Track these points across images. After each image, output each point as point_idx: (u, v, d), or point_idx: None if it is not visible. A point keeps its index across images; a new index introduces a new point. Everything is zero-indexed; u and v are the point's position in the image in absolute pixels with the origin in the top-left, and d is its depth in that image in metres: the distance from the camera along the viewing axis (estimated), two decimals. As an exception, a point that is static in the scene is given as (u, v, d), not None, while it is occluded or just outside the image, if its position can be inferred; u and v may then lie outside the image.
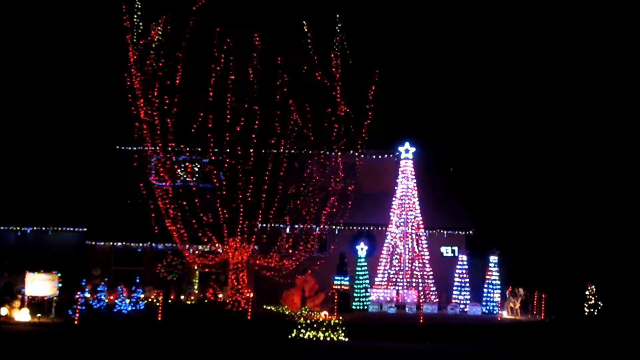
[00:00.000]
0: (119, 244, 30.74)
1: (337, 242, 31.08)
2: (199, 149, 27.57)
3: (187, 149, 27.34)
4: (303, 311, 27.69)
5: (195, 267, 29.81)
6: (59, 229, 31.47)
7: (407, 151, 31.41)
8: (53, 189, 32.60)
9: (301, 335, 22.82)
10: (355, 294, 29.97)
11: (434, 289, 30.69)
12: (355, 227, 32.76)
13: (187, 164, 28.07)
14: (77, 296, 24.46)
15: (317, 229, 29.07)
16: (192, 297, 29.53)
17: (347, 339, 22.71)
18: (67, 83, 37.65)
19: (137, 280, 28.15)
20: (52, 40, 39.18)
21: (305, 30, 27.69)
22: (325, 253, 32.21)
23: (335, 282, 29.40)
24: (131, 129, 27.16)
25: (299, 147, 28.43)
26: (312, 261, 30.71)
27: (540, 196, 40.97)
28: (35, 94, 37.12)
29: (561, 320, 28.10)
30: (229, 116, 27.09)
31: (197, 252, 28.28)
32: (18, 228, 31.44)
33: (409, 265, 30.69)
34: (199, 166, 28.07)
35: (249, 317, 24.99)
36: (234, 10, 27.31)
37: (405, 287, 30.28)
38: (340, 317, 25.04)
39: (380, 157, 33.78)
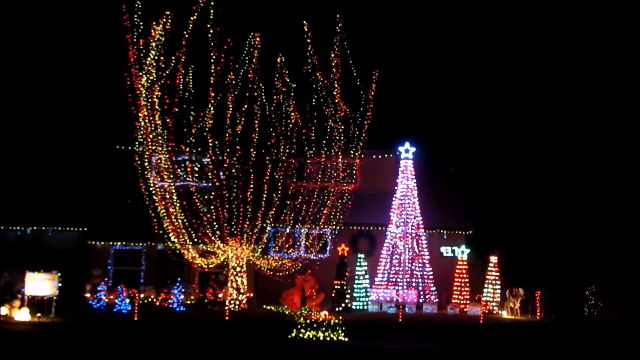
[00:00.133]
0: (119, 244, 30.74)
1: (337, 242, 31.05)
2: (199, 149, 27.58)
3: (187, 149, 27.33)
4: (303, 311, 27.70)
5: (195, 267, 29.81)
6: (59, 229, 31.45)
7: (407, 151, 31.41)
8: (53, 188, 32.56)
9: (301, 335, 22.82)
10: (355, 294, 29.98)
11: (434, 289, 30.69)
12: (355, 227, 32.74)
13: (187, 163, 28.06)
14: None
15: (317, 229, 29.08)
16: (192, 297, 29.51)
17: (347, 339, 22.71)
18: (67, 83, 37.62)
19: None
20: (52, 40, 39.15)
21: (305, 30, 27.70)
22: (325, 253, 32.21)
23: (335, 282, 29.43)
24: (131, 129, 27.17)
25: (299, 147, 28.47)
26: (312, 261, 30.75)
27: (540, 196, 40.91)
28: (35, 94, 37.10)
29: (561, 320, 28.10)
30: (229, 116, 27.13)
31: (197, 252, 28.29)
32: (18, 228, 31.41)
33: (409, 265, 30.68)
34: (199, 166, 28.07)
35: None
36: (235, 9, 27.31)
37: (405, 287, 30.28)
38: (340, 317, 25.04)
39: (380, 157, 33.75)
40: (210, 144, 27.30)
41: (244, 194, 27.21)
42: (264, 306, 29.56)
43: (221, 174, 27.54)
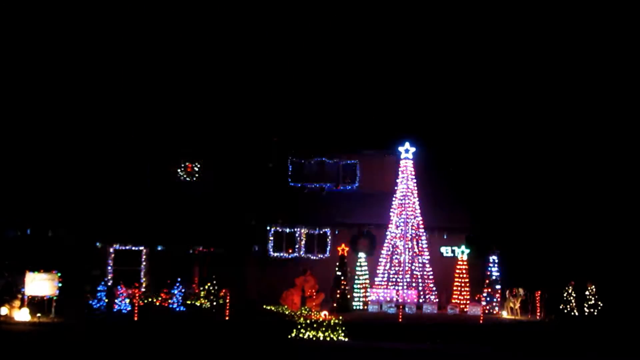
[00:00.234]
0: (119, 244, 30.74)
1: (337, 242, 31.04)
2: (199, 149, 27.61)
3: (187, 149, 27.36)
4: (303, 311, 27.70)
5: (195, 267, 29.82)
6: (59, 229, 31.44)
7: (407, 151, 31.40)
8: (53, 189, 32.56)
9: (301, 335, 22.81)
10: (355, 294, 29.98)
11: (434, 289, 30.68)
12: (355, 227, 32.74)
13: (187, 164, 28.08)
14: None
15: (317, 229, 29.09)
16: (192, 298, 29.47)
17: (347, 339, 22.71)
18: (67, 83, 37.61)
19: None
20: (52, 40, 39.15)
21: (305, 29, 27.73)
22: (325, 253, 32.22)
23: (335, 282, 29.44)
24: (131, 129, 27.19)
25: (299, 146, 28.51)
26: (312, 261, 30.76)
27: (540, 196, 40.92)
28: (35, 94, 37.09)
29: (561, 320, 28.10)
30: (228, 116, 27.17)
31: (196, 252, 28.30)
32: (18, 228, 31.40)
33: (409, 265, 30.68)
34: (198, 166, 28.09)
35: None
36: (235, 9, 27.33)
37: (405, 287, 30.27)
38: (340, 317, 25.04)
39: (380, 157, 33.74)
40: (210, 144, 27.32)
41: (243, 194, 27.21)
42: (264, 306, 29.56)
43: (221, 174, 27.54)
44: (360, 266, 30.28)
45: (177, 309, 27.45)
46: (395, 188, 31.44)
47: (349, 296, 29.57)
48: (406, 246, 30.80)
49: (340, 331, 23.00)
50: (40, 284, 24.93)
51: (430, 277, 30.77)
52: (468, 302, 30.11)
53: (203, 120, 27.64)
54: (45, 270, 25.12)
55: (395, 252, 30.79)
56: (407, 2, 43.44)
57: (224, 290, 28.69)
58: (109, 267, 30.58)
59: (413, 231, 30.94)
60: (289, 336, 22.75)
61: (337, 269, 29.73)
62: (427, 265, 30.87)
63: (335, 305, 28.86)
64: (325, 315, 25.64)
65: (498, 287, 30.62)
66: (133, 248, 30.83)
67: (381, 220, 31.89)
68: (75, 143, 34.26)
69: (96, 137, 33.70)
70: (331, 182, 29.78)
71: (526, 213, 39.39)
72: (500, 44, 44.11)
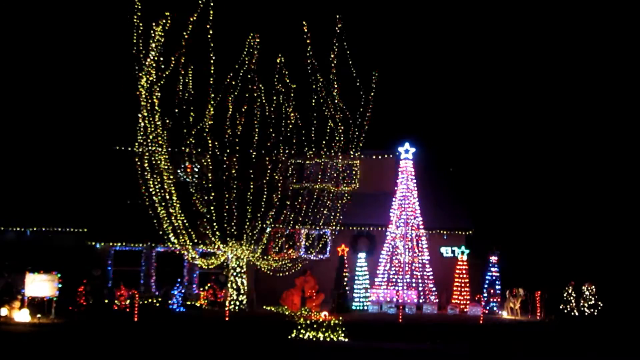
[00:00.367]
0: (119, 244, 30.75)
1: (337, 242, 31.06)
2: (199, 149, 27.59)
3: (187, 149, 27.33)
4: (303, 311, 27.70)
5: (196, 268, 29.82)
6: (59, 229, 31.46)
7: (407, 151, 31.40)
8: (53, 189, 32.59)
9: (301, 336, 22.82)
10: (355, 294, 29.99)
11: (434, 289, 30.69)
12: (355, 228, 32.75)
13: (187, 164, 28.07)
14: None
15: (317, 229, 29.08)
16: (192, 298, 29.50)
17: (347, 339, 22.71)
18: (67, 83, 37.66)
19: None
20: (52, 40, 39.19)
21: (305, 30, 27.71)
22: (325, 253, 32.23)
23: (335, 283, 29.45)
24: (131, 129, 27.18)
25: (299, 147, 28.49)
26: (312, 261, 30.76)
27: (540, 196, 40.97)
28: (35, 95, 37.14)
29: (561, 320, 28.10)
30: (229, 116, 27.16)
31: (197, 252, 28.31)
32: (18, 229, 31.43)
33: (409, 266, 30.68)
34: (198, 166, 28.07)
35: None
36: (234, 10, 27.33)
37: (405, 288, 30.27)
38: (340, 317, 25.05)
39: (380, 157, 33.76)
40: (210, 144, 27.31)
41: (244, 194, 27.20)
42: (264, 307, 29.56)
43: (221, 174, 27.53)
44: (360, 266, 30.28)
45: (177, 310, 27.47)
46: (395, 188, 31.45)
47: (349, 296, 29.57)
48: (406, 246, 30.80)
49: (340, 331, 23.00)
50: (40, 284, 24.92)
51: (430, 277, 30.77)
52: (468, 302, 30.11)
53: None
54: (45, 271, 25.12)
55: (395, 253, 30.79)
56: (410, 4, 43.51)
57: (223, 291, 28.74)
58: (109, 268, 30.58)
59: (413, 231, 30.94)
60: (289, 336, 22.75)
61: (336, 269, 29.72)
62: (427, 266, 30.87)
63: (335, 305, 28.86)
64: (325, 315, 25.64)
65: (498, 287, 30.64)
66: (134, 249, 30.85)
67: (381, 221, 31.90)
68: (75, 143, 34.33)
69: (96, 137, 33.77)
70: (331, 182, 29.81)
71: (526, 213, 39.44)
72: (499, 45, 44.15)
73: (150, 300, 28.73)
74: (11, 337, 21.39)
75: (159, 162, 26.99)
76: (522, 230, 37.96)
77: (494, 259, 30.76)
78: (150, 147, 26.86)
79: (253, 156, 27.66)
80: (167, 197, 27.00)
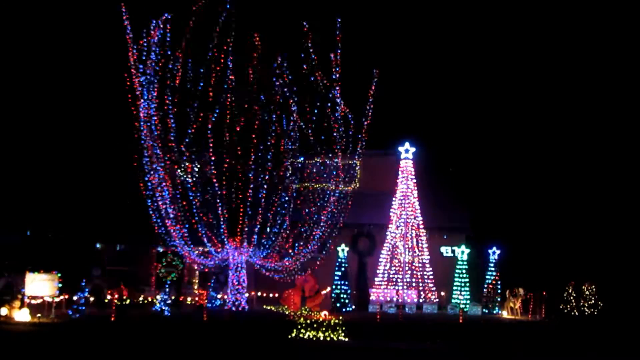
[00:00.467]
0: (119, 244, 30.75)
1: (337, 242, 31.06)
2: (199, 149, 27.60)
3: (187, 149, 27.34)
4: (303, 311, 27.70)
5: (195, 267, 29.82)
6: (59, 229, 31.47)
7: (407, 151, 31.41)
8: (53, 189, 32.60)
9: (301, 335, 22.80)
10: (355, 294, 29.98)
11: (434, 288, 30.69)
12: (355, 227, 32.74)
13: (187, 164, 28.07)
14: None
15: (317, 229, 29.09)
16: (193, 298, 29.52)
17: (347, 339, 22.70)
18: (67, 83, 37.62)
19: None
20: (52, 41, 39.14)
21: (306, 30, 27.73)
22: (325, 253, 32.21)
23: (335, 282, 29.45)
24: (131, 129, 27.19)
25: (299, 147, 28.50)
26: (312, 261, 30.75)
27: (540, 196, 40.92)
28: (35, 95, 37.10)
29: (561, 320, 28.10)
30: (228, 116, 27.17)
31: (197, 252, 28.31)
32: (18, 228, 31.43)
33: (409, 265, 30.68)
34: (199, 166, 28.07)
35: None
36: (235, 10, 27.32)
37: (405, 287, 30.27)
38: (340, 317, 25.04)
39: (380, 157, 33.74)
40: (211, 144, 27.31)
41: (244, 194, 27.21)
42: (264, 306, 29.55)
43: (221, 174, 27.54)
44: (360, 266, 30.28)
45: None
46: (396, 188, 31.45)
47: (348, 296, 29.58)
48: (406, 246, 30.80)
49: (340, 331, 22.99)
50: (40, 284, 24.93)
51: (430, 276, 30.77)
52: (468, 302, 30.11)
53: None
54: (45, 271, 25.11)
55: (395, 252, 30.79)
56: (409, 3, 43.48)
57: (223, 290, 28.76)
58: (109, 267, 30.60)
59: (413, 231, 30.94)
60: (289, 336, 22.74)
61: (336, 269, 29.72)
62: (427, 265, 30.87)
63: (335, 305, 28.86)
64: (325, 315, 25.64)
65: (498, 287, 30.64)
66: (134, 249, 30.89)
67: (381, 220, 31.90)
68: (75, 144, 34.32)
69: (96, 137, 33.76)
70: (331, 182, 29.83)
71: (526, 213, 39.39)
72: (499, 45, 44.11)
73: (149, 300, 28.71)
74: (11, 337, 21.37)
75: (159, 162, 26.99)
76: (522, 230, 37.93)
77: (494, 258, 30.75)
78: (150, 147, 26.87)
79: (253, 156, 27.67)
80: (167, 196, 26.99)
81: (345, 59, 28.42)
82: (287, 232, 28.51)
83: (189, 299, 29.40)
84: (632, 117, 41.45)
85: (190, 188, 27.53)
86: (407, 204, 31.02)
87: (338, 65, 28.32)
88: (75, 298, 24.68)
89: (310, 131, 28.30)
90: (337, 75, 28.40)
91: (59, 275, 25.23)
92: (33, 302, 24.92)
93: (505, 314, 29.98)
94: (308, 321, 23.81)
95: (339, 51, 28.10)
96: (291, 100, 28.05)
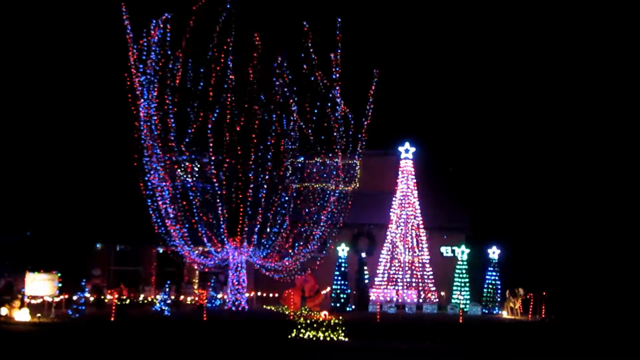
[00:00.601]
0: (119, 244, 30.75)
1: (337, 242, 31.05)
2: (199, 149, 27.61)
3: (187, 149, 27.35)
4: (303, 311, 27.70)
5: (195, 267, 29.83)
6: (59, 229, 31.45)
7: (407, 151, 31.41)
8: (53, 189, 32.57)
9: (301, 335, 22.81)
10: (355, 294, 29.98)
11: (434, 288, 30.69)
12: (355, 227, 32.74)
13: (187, 164, 28.07)
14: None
15: (317, 229, 29.10)
16: (192, 298, 29.52)
17: (347, 339, 22.71)
18: (67, 83, 37.59)
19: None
20: (52, 41, 39.13)
21: (305, 30, 27.73)
22: (325, 253, 32.20)
23: (335, 282, 29.45)
24: (131, 129, 27.19)
25: (299, 147, 28.50)
26: (312, 261, 30.74)
27: (540, 196, 40.92)
28: (35, 95, 37.07)
29: (561, 320, 28.09)
30: (228, 116, 27.18)
31: (197, 252, 28.32)
32: (18, 228, 31.41)
33: (409, 265, 30.68)
34: (199, 166, 28.08)
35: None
36: (235, 9, 27.32)
37: (405, 287, 30.27)
38: (340, 317, 25.05)
39: (380, 156, 33.74)
40: (211, 144, 27.32)
41: (244, 194, 27.21)
42: (264, 306, 29.55)
43: (221, 174, 27.54)
44: (360, 266, 30.27)
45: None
46: (396, 188, 31.45)
47: (349, 296, 29.57)
48: (406, 246, 30.80)
49: (340, 331, 23.00)
50: (40, 284, 24.93)
51: (430, 277, 30.77)
52: (468, 302, 30.11)
53: None
54: (45, 270, 25.11)
55: (395, 252, 30.79)
56: (409, 3, 43.47)
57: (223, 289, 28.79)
58: (109, 267, 30.62)
59: (413, 231, 30.94)
60: (289, 336, 22.74)
61: (336, 269, 29.72)
62: (427, 265, 30.87)
63: (335, 305, 28.86)
64: (325, 315, 25.64)
65: (498, 287, 30.63)
66: (135, 248, 30.90)
67: (381, 220, 31.90)
68: (75, 144, 34.30)
69: (96, 137, 33.74)
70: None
71: (526, 213, 39.39)
72: (499, 45, 44.10)
73: (149, 300, 28.71)
74: (11, 337, 21.38)
75: (159, 162, 27.00)
76: (522, 230, 37.92)
77: (493, 258, 30.75)
78: (150, 147, 26.87)
79: (253, 156, 27.67)
80: (167, 196, 27.00)
81: (345, 59, 28.43)
82: (287, 232, 28.51)
83: (189, 299, 29.35)
84: (632, 117, 41.44)
85: (190, 188, 27.54)
86: (407, 204, 31.03)
87: (338, 65, 28.35)
88: (75, 298, 24.68)
89: (310, 131, 28.31)
90: (337, 75, 28.43)
91: (59, 275, 25.21)
92: (33, 302, 24.94)
93: (505, 314, 29.98)
94: (308, 321, 23.83)
95: (339, 51, 28.13)
96: (291, 100, 28.06)
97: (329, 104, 28.60)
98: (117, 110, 28.80)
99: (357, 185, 33.09)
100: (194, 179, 28.00)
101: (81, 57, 38.08)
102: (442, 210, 33.19)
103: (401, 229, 30.90)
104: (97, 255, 30.65)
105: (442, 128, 40.25)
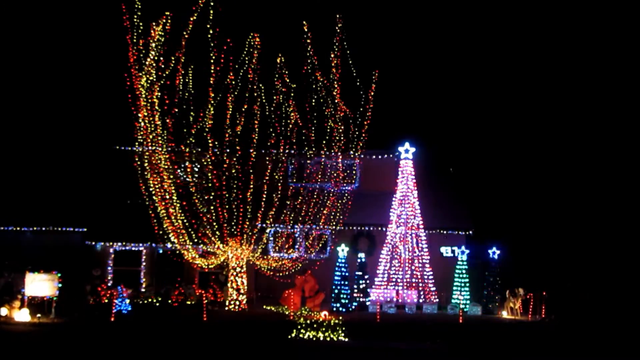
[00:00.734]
0: (119, 244, 30.76)
1: (337, 242, 31.05)
2: (199, 149, 27.63)
3: (187, 149, 27.37)
4: (303, 311, 27.70)
5: (196, 268, 29.82)
6: (59, 229, 31.45)
7: (407, 151, 31.40)
8: (53, 189, 32.59)
9: (301, 335, 22.81)
10: (355, 294, 29.96)
11: (434, 289, 30.68)
12: (355, 227, 32.75)
13: (187, 164, 28.09)
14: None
15: (317, 229, 29.10)
16: (192, 298, 29.51)
17: (347, 339, 22.71)
18: (66, 83, 37.64)
19: None
20: (51, 40, 39.17)
21: (305, 30, 27.74)
22: (325, 253, 32.22)
23: (335, 282, 29.45)
24: (131, 129, 27.22)
25: (299, 147, 28.52)
26: (312, 261, 30.76)
27: (540, 196, 40.98)
28: (35, 94, 37.11)
29: (561, 320, 28.08)
30: (229, 116, 27.19)
31: (197, 252, 28.33)
32: (18, 228, 31.42)
33: (409, 265, 30.68)
34: (199, 166, 28.09)
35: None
36: (235, 9, 27.35)
37: (405, 287, 30.27)
38: (340, 317, 25.05)
39: (380, 157, 33.76)
40: (210, 144, 27.35)
41: (244, 194, 27.21)
42: (264, 306, 29.56)
43: (221, 174, 27.56)
44: (360, 266, 30.27)
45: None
46: (395, 188, 31.45)
47: (348, 296, 29.57)
48: (406, 246, 30.79)
49: (340, 331, 23.00)
50: (40, 284, 24.90)
51: (430, 277, 30.76)
52: (468, 302, 30.11)
53: None
54: (45, 271, 25.10)
55: (395, 252, 30.78)
56: (409, 3, 43.51)
57: (210, 291, 28.79)
58: (109, 267, 30.59)
59: (413, 231, 30.94)
60: (289, 336, 22.74)
61: (336, 269, 29.72)
62: (427, 265, 30.87)
63: (335, 305, 28.86)
64: (325, 315, 25.64)
65: (498, 287, 30.63)
66: (134, 249, 30.88)
67: (381, 220, 31.90)
68: (75, 143, 34.30)
69: (96, 137, 33.75)
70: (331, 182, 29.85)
71: (527, 213, 39.44)
72: (499, 45, 44.14)
73: (150, 300, 28.72)
74: (11, 337, 21.38)
75: (159, 161, 27.02)
76: (522, 230, 37.97)
77: (494, 258, 30.75)
78: (150, 147, 26.89)
79: (253, 156, 27.68)
80: (167, 196, 27.02)
81: (345, 59, 28.44)
82: (287, 232, 28.51)
83: (189, 299, 29.35)
84: (632, 117, 41.48)
85: (190, 188, 27.55)
86: (407, 204, 31.02)
87: (338, 66, 28.36)
88: (75, 298, 24.69)
89: (309, 131, 28.32)
90: (337, 76, 28.44)
91: (59, 275, 25.20)
92: (33, 302, 24.95)
93: (505, 314, 29.98)
94: (308, 321, 23.83)
95: (339, 51, 28.14)
96: (291, 100, 28.06)
97: (329, 104, 28.61)
98: (117, 110, 28.84)
99: (357, 185, 33.14)
100: (194, 179, 28.01)
101: (81, 57, 38.14)
102: (442, 210, 33.20)
103: (401, 229, 30.89)
104: (97, 255, 30.64)
105: (442, 128, 40.30)
